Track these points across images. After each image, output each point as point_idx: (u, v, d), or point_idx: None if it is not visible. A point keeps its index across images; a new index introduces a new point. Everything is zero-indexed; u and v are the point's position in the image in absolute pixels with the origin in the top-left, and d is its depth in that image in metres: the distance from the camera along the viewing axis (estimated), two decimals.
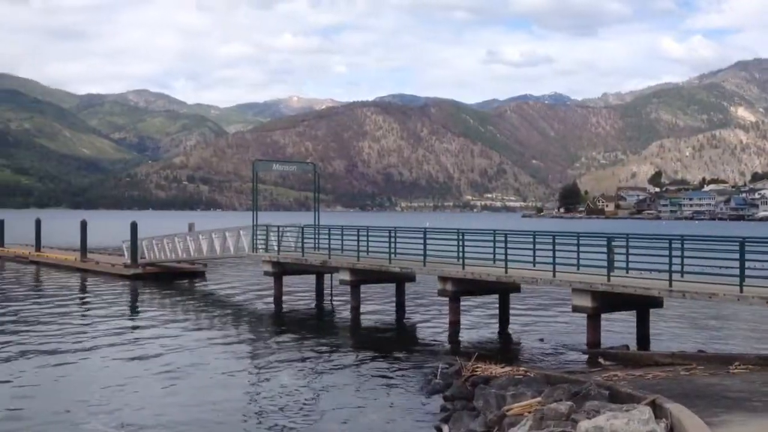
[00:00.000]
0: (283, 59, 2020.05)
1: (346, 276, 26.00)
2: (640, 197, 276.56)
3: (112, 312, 26.00)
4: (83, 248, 43.28)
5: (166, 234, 39.28)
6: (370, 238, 26.52)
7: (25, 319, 23.82)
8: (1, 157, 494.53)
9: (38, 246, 48.90)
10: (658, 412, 9.22)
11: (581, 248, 20.24)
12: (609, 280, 18.13)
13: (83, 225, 43.43)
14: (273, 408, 13.25)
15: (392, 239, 25.04)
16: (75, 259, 43.02)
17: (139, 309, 27.94)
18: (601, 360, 16.42)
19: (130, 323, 23.93)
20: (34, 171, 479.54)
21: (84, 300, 30.45)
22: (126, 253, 39.68)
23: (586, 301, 18.21)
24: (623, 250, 19.47)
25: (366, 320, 24.92)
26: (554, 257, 19.67)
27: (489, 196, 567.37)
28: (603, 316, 18.92)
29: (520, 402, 11.18)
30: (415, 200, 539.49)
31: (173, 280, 37.11)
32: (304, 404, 13.63)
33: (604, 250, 18.81)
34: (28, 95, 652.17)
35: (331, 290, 29.67)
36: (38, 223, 49.35)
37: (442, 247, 24.54)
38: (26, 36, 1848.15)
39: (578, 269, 19.96)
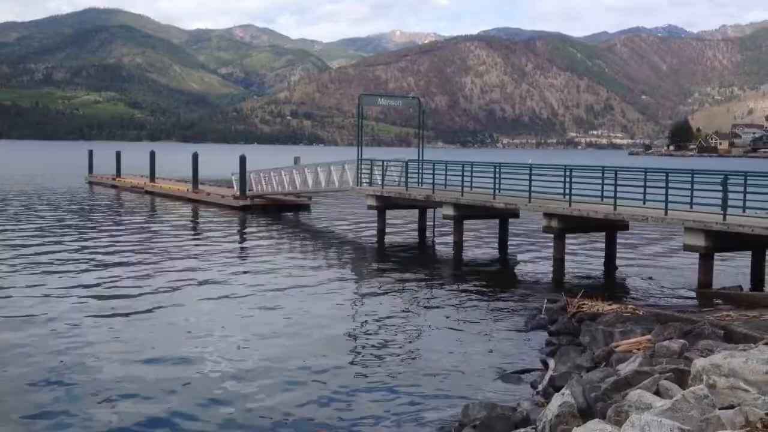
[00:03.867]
0: None
1: (449, 211, 26.03)
2: (757, 135, 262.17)
3: (223, 242, 26.97)
4: (195, 180, 44.82)
5: (273, 167, 40.20)
6: (474, 174, 26.37)
7: (144, 248, 25.02)
8: (114, 90, 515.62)
9: (152, 177, 50.98)
10: None
11: (695, 186, 19.54)
12: (725, 219, 17.48)
13: (195, 157, 44.85)
14: (375, 339, 13.52)
15: (497, 175, 24.83)
16: (187, 190, 44.66)
17: (248, 239, 28.89)
18: (713, 300, 16.00)
19: (240, 253, 24.81)
20: (146, 105, 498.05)
21: (197, 229, 31.72)
22: (235, 185, 40.93)
23: (699, 241, 17.67)
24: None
25: (468, 256, 24.98)
26: (667, 195, 19.06)
27: (594, 133, 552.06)
28: (716, 256, 18.36)
29: (628, 339, 11.06)
30: (517, 137, 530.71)
31: (280, 212, 38.09)
32: (408, 336, 13.88)
33: (719, 188, 18.09)
34: (140, 30, 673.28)
35: (434, 225, 29.81)
36: (152, 155, 51.29)
37: (548, 185, 24.17)
38: None
39: (691, 208, 19.31)
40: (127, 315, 14.89)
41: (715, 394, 6.24)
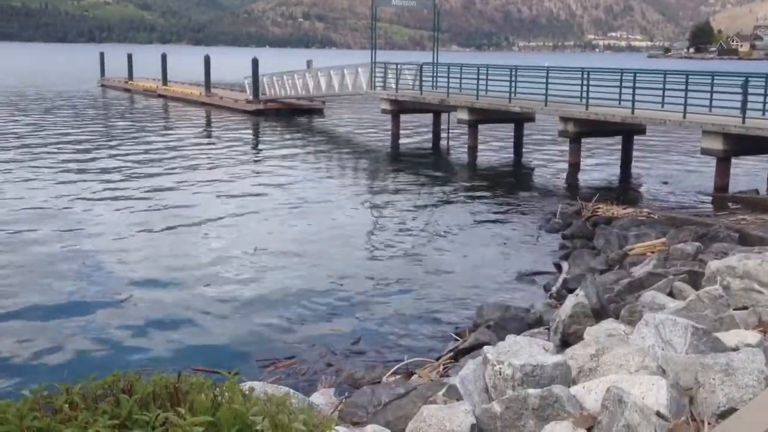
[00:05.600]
0: None
1: (464, 115, 25.80)
2: None
3: (239, 147, 26.96)
4: (207, 83, 44.39)
5: (286, 71, 39.72)
6: (489, 78, 25.98)
7: (160, 155, 25.06)
8: None
9: (165, 80, 50.50)
10: None
11: (714, 89, 19.19)
12: (744, 122, 17.25)
13: (207, 60, 44.25)
14: (391, 244, 13.62)
15: (512, 79, 24.47)
16: (200, 93, 44.32)
17: (263, 144, 28.87)
18: (729, 204, 15.98)
19: (255, 159, 24.83)
20: (156, 6, 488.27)
21: (212, 135, 31.68)
22: (248, 89, 40.53)
23: (717, 144, 17.49)
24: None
25: (483, 160, 24.91)
26: (686, 98, 18.75)
27: (613, 35, 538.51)
28: (733, 160, 18.23)
29: (643, 242, 11.10)
30: (533, 40, 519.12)
31: (293, 116, 37.86)
32: (422, 240, 13.99)
33: (739, 91, 17.78)
34: None
35: (448, 129, 29.58)
36: (164, 57, 50.63)
37: (564, 88, 23.79)
38: None
39: (710, 111, 19.02)
40: (145, 223, 15.05)
41: (729, 295, 6.30)
